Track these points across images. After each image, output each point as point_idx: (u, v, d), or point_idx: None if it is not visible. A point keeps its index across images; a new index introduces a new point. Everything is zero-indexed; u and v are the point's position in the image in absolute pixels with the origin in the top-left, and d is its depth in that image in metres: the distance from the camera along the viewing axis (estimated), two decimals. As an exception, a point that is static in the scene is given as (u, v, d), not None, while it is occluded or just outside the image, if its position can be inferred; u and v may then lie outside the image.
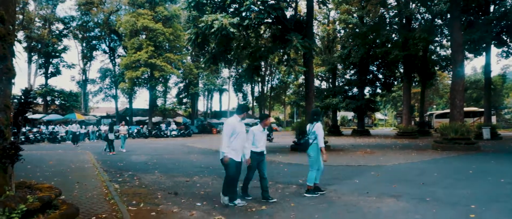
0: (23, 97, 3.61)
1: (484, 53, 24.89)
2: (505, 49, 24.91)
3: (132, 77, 31.04)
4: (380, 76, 33.14)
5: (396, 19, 27.55)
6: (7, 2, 3.32)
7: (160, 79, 34.18)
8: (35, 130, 25.63)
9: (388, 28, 27.27)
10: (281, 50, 16.95)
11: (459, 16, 16.77)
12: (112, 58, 41.22)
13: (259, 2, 13.41)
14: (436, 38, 27.48)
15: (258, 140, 5.73)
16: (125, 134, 16.71)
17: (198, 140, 27.36)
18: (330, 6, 30.13)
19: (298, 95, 44.71)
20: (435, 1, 22.22)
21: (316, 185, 6.23)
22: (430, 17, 25.74)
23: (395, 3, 25.62)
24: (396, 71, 31.96)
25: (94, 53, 42.42)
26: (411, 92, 31.61)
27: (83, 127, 27.50)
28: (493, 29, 22.00)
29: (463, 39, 17.45)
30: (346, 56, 30.53)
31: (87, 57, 41.41)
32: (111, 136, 15.70)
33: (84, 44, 40.86)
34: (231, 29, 12.65)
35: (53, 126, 27.70)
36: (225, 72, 50.07)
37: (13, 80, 3.45)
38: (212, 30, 12.74)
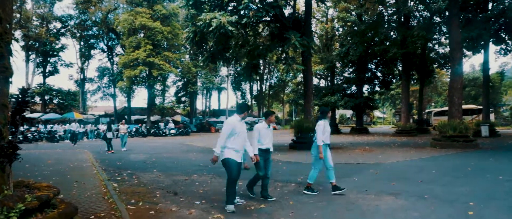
0: (20, 96, 3.59)
1: (482, 51, 24.93)
2: (503, 46, 24.95)
3: (130, 76, 30.98)
4: (379, 74, 33.15)
5: (395, 17, 27.54)
6: (4, 0, 3.30)
7: (159, 78, 34.12)
8: (33, 129, 25.57)
9: (386, 26, 27.24)
10: (280, 49, 16.93)
11: (458, 14, 16.77)
12: (110, 57, 41.14)
13: (257, 0, 13.41)
14: (435, 36, 27.48)
15: (264, 137, 5.67)
16: (125, 133, 16.59)
17: (197, 138, 27.35)
18: (328, 4, 30.17)
19: (297, 93, 44.81)
20: (434, -1, 22.25)
21: (310, 184, 6.17)
22: (428, 15, 25.73)
23: (394, 1, 25.60)
24: (395, 69, 31.99)
25: (92, 52, 42.36)
26: (409, 90, 31.69)
27: (82, 126, 27.45)
28: (492, 27, 22.02)
29: (461, 36, 17.46)
30: (344, 54, 30.51)
31: (85, 56, 41.28)
32: (109, 135, 15.65)
33: (82, 43, 40.73)
34: (230, 28, 12.63)
35: (51, 125, 27.62)
36: (223, 70, 50.07)
37: (10, 79, 3.44)
38: (210, 28, 12.72)
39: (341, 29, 34.01)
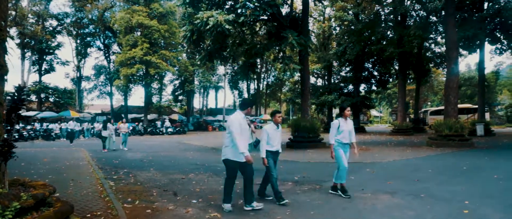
0: (16, 94, 3.57)
1: (478, 50, 25.07)
2: (499, 46, 25.09)
3: (127, 74, 30.87)
4: (376, 73, 33.26)
5: (391, 16, 27.62)
6: (-1, -3, 3.28)
7: (156, 76, 34.03)
8: (29, 127, 25.43)
9: (383, 25, 27.31)
10: (277, 48, 16.94)
11: (454, 13, 16.84)
12: (106, 55, 40.94)
13: (254, -1, 13.37)
14: (431, 35, 27.58)
15: (273, 139, 5.42)
16: (126, 132, 16.46)
17: (194, 137, 27.31)
18: (325, 3, 30.15)
19: (294, 92, 44.82)
20: (430, -2, 22.35)
21: (335, 184, 5.95)
22: (424, 14, 25.83)
23: (390, 0, 25.66)
24: (391, 68, 32.10)
25: (89, 50, 42.08)
26: (406, 90, 31.77)
27: (78, 124, 27.32)
28: (487, 26, 22.14)
29: (457, 36, 17.54)
30: (341, 53, 30.58)
31: (81, 54, 41.04)
32: (104, 133, 15.58)
33: (78, 41, 40.48)
34: (227, 26, 12.61)
35: (47, 124, 27.47)
36: (220, 69, 50.00)
37: (6, 77, 3.42)
38: (208, 27, 12.68)
39: (338, 28, 34.07)
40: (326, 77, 39.33)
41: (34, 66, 37.73)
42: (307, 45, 15.74)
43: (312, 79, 42.43)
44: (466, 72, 55.54)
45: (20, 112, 3.59)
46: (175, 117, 43.24)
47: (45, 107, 37.44)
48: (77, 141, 23.54)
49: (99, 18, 37.74)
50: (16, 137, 20.90)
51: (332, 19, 33.94)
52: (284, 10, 18.87)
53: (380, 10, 28.63)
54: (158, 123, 34.83)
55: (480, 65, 25.29)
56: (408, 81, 34.82)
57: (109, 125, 16.38)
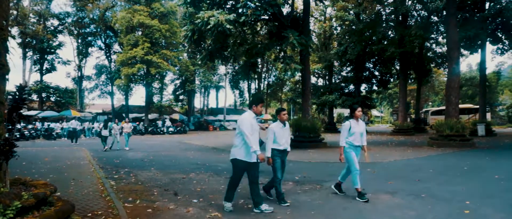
0: (17, 94, 3.57)
1: (479, 50, 25.05)
2: (500, 46, 25.08)
3: (128, 74, 30.88)
4: (377, 73, 33.23)
5: (392, 16, 27.61)
6: (1, -3, 3.28)
7: (156, 76, 34.03)
8: (30, 126, 25.46)
9: (384, 25, 27.31)
10: (278, 47, 16.94)
11: (455, 13, 16.83)
12: (108, 54, 40.97)
13: (255, -1, 13.37)
14: (432, 35, 27.59)
15: (280, 137, 5.31)
16: (129, 132, 16.42)
17: (195, 137, 27.33)
18: (326, 3, 30.15)
19: (295, 92, 44.81)
20: (431, -2, 22.31)
21: (340, 182, 5.89)
22: (426, 14, 25.82)
23: (391, 0, 25.64)
24: (392, 68, 32.10)
25: (90, 49, 42.13)
26: (407, 90, 31.75)
27: (79, 124, 27.31)
28: (489, 26, 22.13)
29: (459, 36, 17.52)
30: (342, 53, 30.56)
31: (82, 53, 41.09)
32: (104, 132, 15.57)
33: (79, 41, 40.53)
34: (228, 26, 12.61)
35: (48, 123, 27.50)
36: (221, 69, 49.97)
37: (7, 77, 3.42)
38: (209, 26, 12.69)
39: (339, 28, 34.04)
40: (327, 77, 39.30)
41: (35, 65, 37.77)
42: (308, 45, 15.73)
43: (313, 79, 42.43)
44: (467, 72, 55.49)
45: (21, 111, 3.60)
46: (176, 116, 43.26)
47: (46, 107, 37.49)
48: (78, 140, 23.49)
49: (100, 17, 37.78)
50: (18, 136, 20.92)
51: (333, 19, 33.94)
52: (285, 9, 18.90)
53: (381, 10, 28.62)
54: (159, 123, 34.86)
55: (482, 65, 25.27)
56: (409, 81, 34.80)
57: (114, 125, 16.42)
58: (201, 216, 4.71)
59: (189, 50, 37.85)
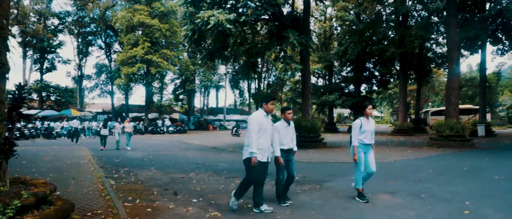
0: (17, 93, 3.57)
1: (479, 51, 25.05)
2: (500, 46, 25.09)
3: (128, 73, 30.89)
4: (377, 73, 33.24)
5: (393, 16, 27.61)
6: (1, -4, 3.28)
7: (157, 75, 34.05)
8: (30, 125, 25.45)
9: (384, 25, 27.31)
10: (278, 47, 16.94)
11: (455, 14, 16.83)
12: (108, 54, 40.99)
13: (256, -1, 13.37)
14: (432, 36, 27.59)
15: (284, 137, 5.25)
16: (130, 131, 16.40)
17: (195, 136, 27.33)
18: (327, 3, 30.16)
19: (295, 92, 44.82)
20: (432, -1, 22.33)
21: (358, 189, 5.59)
22: (426, 14, 25.82)
23: (392, 1, 25.64)
24: (393, 68, 32.11)
25: (90, 49, 42.16)
26: (407, 90, 31.75)
27: (79, 123, 27.30)
28: (489, 27, 22.13)
29: (459, 36, 17.52)
30: (342, 53, 30.56)
31: (82, 53, 41.10)
32: (104, 132, 15.57)
33: (79, 40, 40.55)
34: (228, 26, 12.61)
35: (48, 122, 27.50)
36: (221, 69, 50.01)
37: (7, 75, 3.42)
38: (209, 26, 12.69)
39: (339, 28, 34.05)
40: (327, 77, 39.31)
41: (35, 64, 37.80)
42: (308, 45, 15.73)
43: (313, 79, 42.46)
44: (467, 73, 55.48)
45: (21, 110, 3.60)
46: (176, 116, 43.28)
47: (46, 106, 37.51)
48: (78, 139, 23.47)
49: (100, 17, 37.79)
50: (17, 135, 20.88)
51: (333, 19, 33.95)
52: (285, 9, 18.90)
53: (382, 10, 28.62)
54: (159, 122, 34.85)
55: (482, 66, 25.26)
56: (409, 81, 34.80)
57: (116, 124, 16.41)
58: (200, 215, 4.71)
59: (189, 49, 37.86)
